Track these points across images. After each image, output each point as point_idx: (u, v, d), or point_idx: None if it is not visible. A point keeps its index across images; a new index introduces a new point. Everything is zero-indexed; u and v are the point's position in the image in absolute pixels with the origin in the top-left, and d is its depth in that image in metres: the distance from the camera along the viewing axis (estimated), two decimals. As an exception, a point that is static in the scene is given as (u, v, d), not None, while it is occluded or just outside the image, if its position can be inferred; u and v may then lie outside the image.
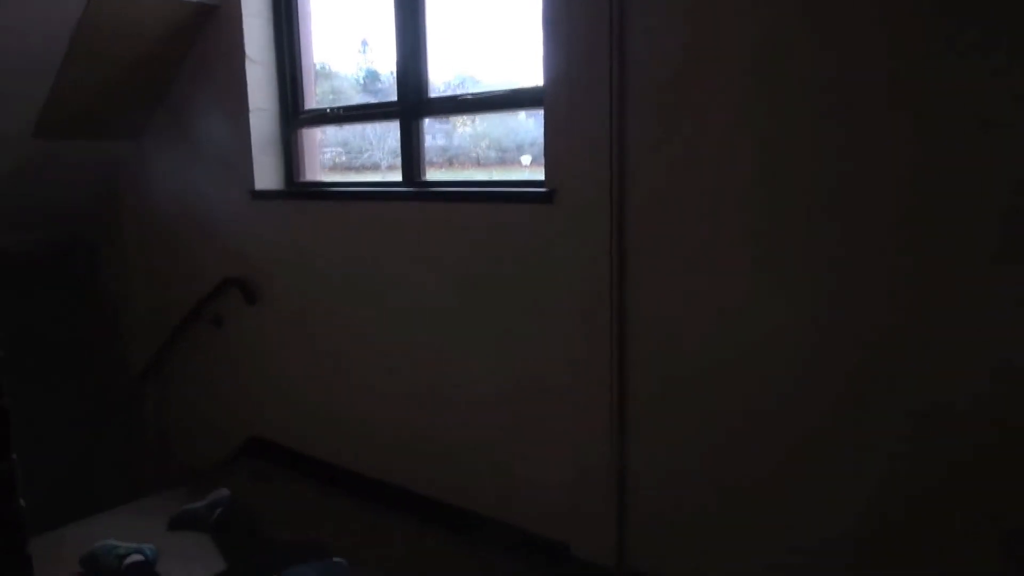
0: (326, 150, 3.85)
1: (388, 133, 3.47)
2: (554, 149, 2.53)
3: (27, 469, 0.81)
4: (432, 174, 3.20)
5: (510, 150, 3.13)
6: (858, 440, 2.03)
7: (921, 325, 1.91)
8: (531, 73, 2.71)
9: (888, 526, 2.02)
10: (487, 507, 2.95)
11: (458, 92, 3.06)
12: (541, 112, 2.58)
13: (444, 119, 3.24)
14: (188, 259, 4.11)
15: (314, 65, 3.67)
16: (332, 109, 3.51)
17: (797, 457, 2.15)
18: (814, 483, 2.13)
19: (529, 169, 2.96)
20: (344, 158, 3.83)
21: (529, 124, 3.02)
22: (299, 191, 3.64)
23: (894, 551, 2.01)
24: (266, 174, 3.64)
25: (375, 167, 3.61)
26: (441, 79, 3.14)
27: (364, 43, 3.65)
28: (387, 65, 3.38)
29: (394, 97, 3.16)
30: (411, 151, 3.14)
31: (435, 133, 3.31)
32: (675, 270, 2.30)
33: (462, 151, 3.32)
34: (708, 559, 2.36)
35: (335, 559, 2.53)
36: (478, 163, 3.23)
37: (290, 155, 3.69)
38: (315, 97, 3.68)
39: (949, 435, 1.90)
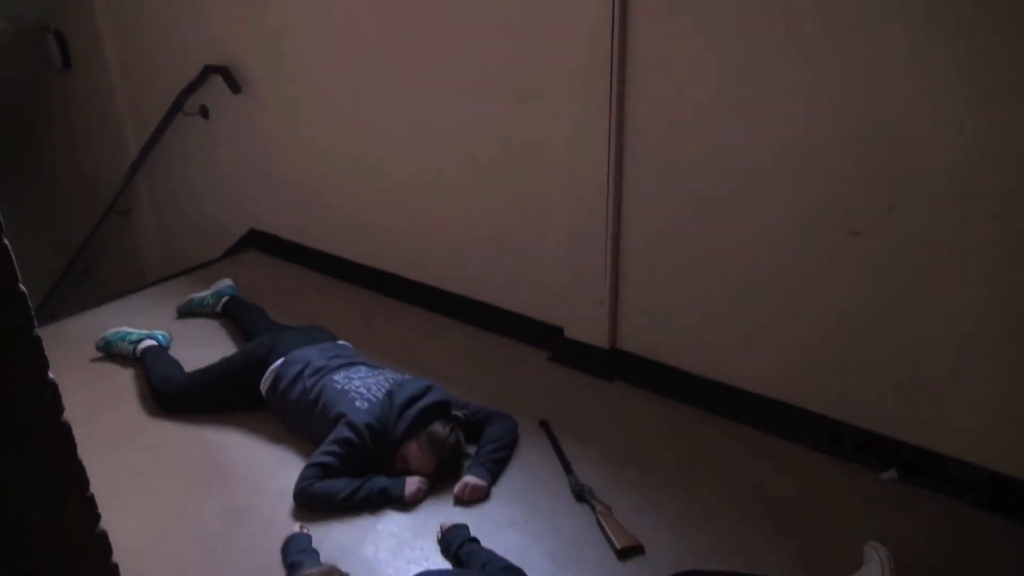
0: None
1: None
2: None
3: (22, 257, 0.80)
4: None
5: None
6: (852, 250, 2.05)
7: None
8: None
9: (861, 337, 2.09)
10: (485, 294, 3.04)
11: None
12: None
13: None
14: (167, 47, 3.90)
15: None
16: None
17: (783, 268, 2.18)
18: (798, 298, 2.17)
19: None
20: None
21: None
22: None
23: (858, 360, 2.11)
24: (240, -53, 3.36)
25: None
26: None
27: None
28: None
29: None
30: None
31: None
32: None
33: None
34: (694, 344, 2.47)
35: (339, 341, 2.64)
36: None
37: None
38: None
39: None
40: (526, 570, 1.77)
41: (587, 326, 2.69)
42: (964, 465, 2.03)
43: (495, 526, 2.00)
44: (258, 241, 3.97)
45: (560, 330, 2.79)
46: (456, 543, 1.88)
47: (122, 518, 1.99)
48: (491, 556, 1.81)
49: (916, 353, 2.04)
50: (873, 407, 2.15)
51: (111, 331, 2.93)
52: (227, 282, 3.34)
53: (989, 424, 1.98)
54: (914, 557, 1.80)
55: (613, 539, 1.92)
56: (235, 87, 3.57)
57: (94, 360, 2.92)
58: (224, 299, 3.22)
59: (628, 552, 1.89)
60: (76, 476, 0.94)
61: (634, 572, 1.83)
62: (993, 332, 1.91)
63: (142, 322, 3.04)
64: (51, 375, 0.84)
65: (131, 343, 2.86)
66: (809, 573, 1.73)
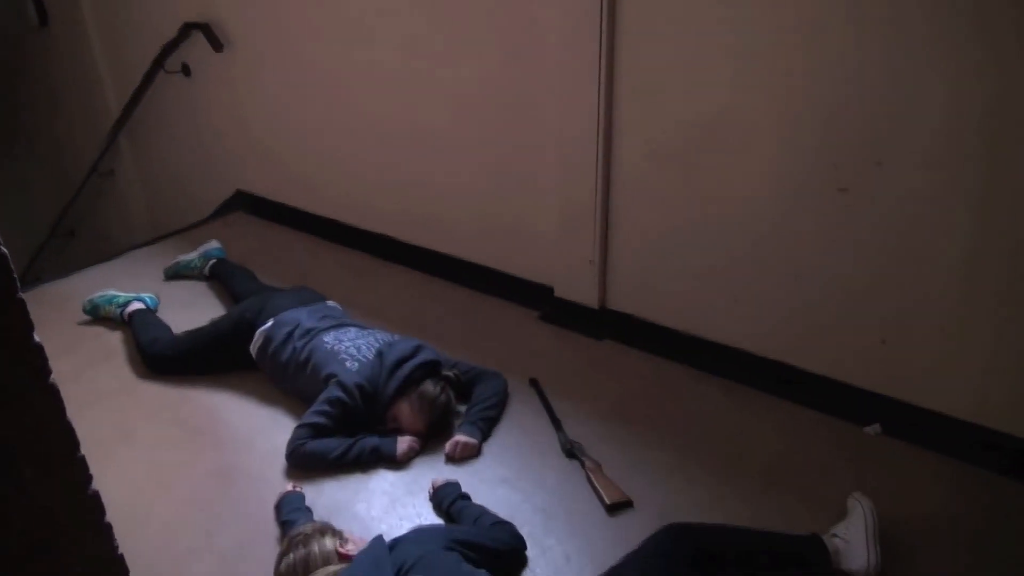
0: None
1: None
2: None
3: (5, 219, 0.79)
4: None
5: None
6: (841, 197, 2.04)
7: (922, 64, 1.84)
8: None
9: (849, 294, 2.10)
10: (474, 254, 3.04)
11: None
12: None
13: None
14: (146, 2, 3.80)
15: None
16: None
17: (772, 226, 2.18)
18: (787, 255, 2.17)
19: None
20: None
21: None
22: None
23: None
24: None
25: None
26: None
27: None
28: None
29: None
30: None
31: None
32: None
33: None
34: (683, 302, 2.48)
35: (328, 302, 2.64)
36: None
37: None
38: None
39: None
40: (517, 525, 1.80)
41: (577, 285, 2.69)
42: (947, 419, 2.06)
43: (486, 483, 2.03)
44: (245, 202, 3.93)
45: (550, 289, 2.79)
46: (448, 500, 1.90)
47: (115, 479, 2.01)
48: (482, 512, 1.84)
49: (903, 309, 2.05)
50: (859, 363, 2.18)
51: (98, 294, 2.91)
52: (214, 244, 3.32)
53: (973, 379, 2.01)
54: (897, 508, 1.84)
55: (603, 494, 1.94)
56: (216, 44, 3.50)
57: (81, 323, 2.90)
58: (212, 261, 3.20)
59: (617, 507, 1.92)
60: (66, 437, 0.94)
61: (623, 526, 1.87)
62: (979, 288, 1.92)
63: (129, 285, 3.01)
64: (37, 338, 0.83)
65: (118, 306, 2.85)
66: (794, 525, 1.76)
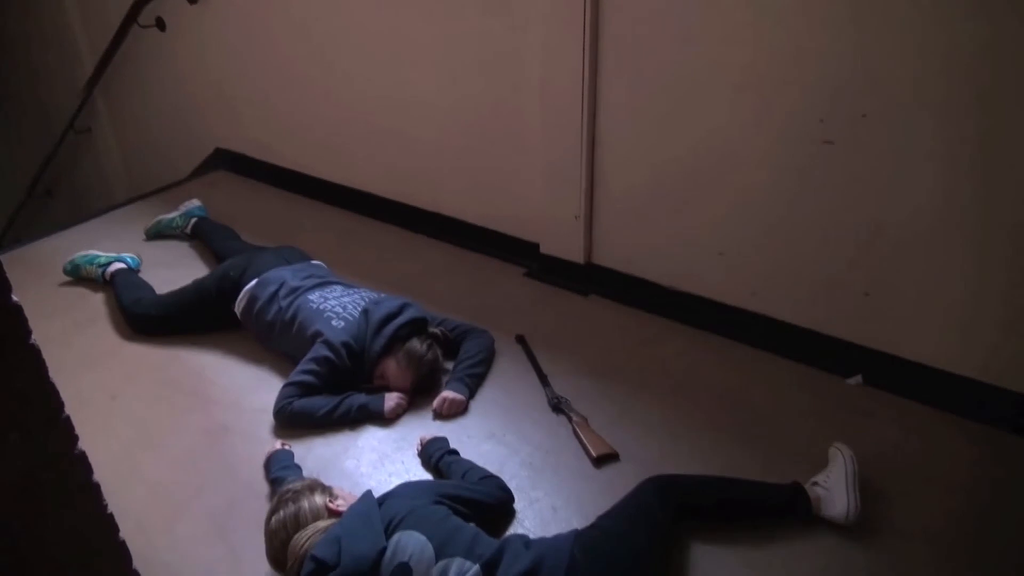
0: None
1: None
2: None
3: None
4: None
5: None
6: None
7: None
8: None
9: (833, 246, 2.10)
10: (460, 211, 3.02)
11: None
12: None
13: None
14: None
15: None
16: None
17: (757, 179, 2.17)
18: (772, 208, 2.17)
19: None
20: None
21: None
22: None
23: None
24: None
25: None
26: None
27: None
28: None
29: None
30: None
31: None
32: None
33: None
34: (669, 257, 2.49)
35: (313, 261, 2.62)
36: None
37: None
38: None
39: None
40: (504, 479, 1.82)
41: (563, 241, 2.68)
42: (928, 370, 2.10)
43: (474, 438, 2.05)
44: (226, 160, 3.88)
45: (536, 246, 2.79)
46: (436, 455, 1.92)
47: (102, 439, 2.01)
48: (470, 467, 1.86)
49: (886, 262, 2.06)
50: (842, 315, 2.20)
51: (79, 254, 2.88)
52: (195, 203, 3.28)
53: (954, 330, 2.03)
54: (878, 457, 1.88)
55: (589, 448, 1.97)
56: (192, -3, 3.41)
57: (63, 284, 2.87)
58: (193, 220, 3.17)
59: (604, 459, 1.95)
60: (49, 398, 0.94)
61: (609, 478, 1.89)
62: (961, 241, 1.94)
63: (110, 245, 2.98)
64: (15, 298, 0.82)
65: (100, 266, 2.82)
66: (777, 475, 1.79)
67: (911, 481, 1.85)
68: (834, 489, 1.72)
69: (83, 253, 2.88)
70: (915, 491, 1.82)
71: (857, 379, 2.19)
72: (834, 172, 2.05)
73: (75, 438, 1.04)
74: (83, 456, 1.08)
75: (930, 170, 1.91)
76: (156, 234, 3.20)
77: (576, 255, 2.67)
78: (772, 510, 1.75)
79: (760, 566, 1.65)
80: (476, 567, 1.41)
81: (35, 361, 0.88)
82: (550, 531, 1.63)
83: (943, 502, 1.79)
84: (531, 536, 1.58)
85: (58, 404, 0.98)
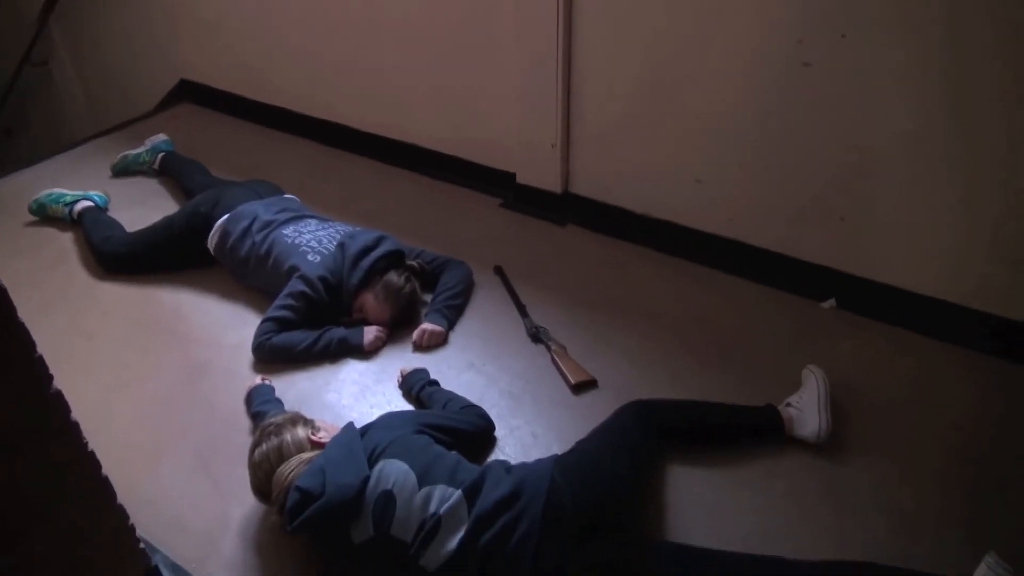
0: None
1: None
2: None
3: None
4: None
5: None
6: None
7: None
8: None
9: (810, 171, 2.10)
10: (435, 142, 2.96)
11: None
12: None
13: None
14: None
15: None
16: None
17: (735, 103, 2.14)
18: (749, 133, 2.15)
19: None
20: None
21: None
22: None
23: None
24: None
25: None
26: None
27: None
28: None
29: None
30: None
31: None
32: None
33: None
34: (646, 185, 2.47)
35: (285, 195, 2.58)
36: None
37: None
38: None
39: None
40: (485, 408, 1.85)
41: (539, 170, 2.65)
42: (901, 292, 2.13)
43: (454, 369, 2.06)
44: (191, 93, 3.76)
45: (512, 176, 2.76)
46: (417, 386, 1.94)
47: (79, 380, 2.00)
48: (451, 396, 1.88)
49: (862, 185, 2.07)
50: (818, 240, 2.21)
51: (44, 193, 2.81)
52: (162, 137, 3.19)
53: (928, 254, 2.06)
54: (850, 379, 1.93)
55: (568, 375, 2.00)
56: (145, -82, 3.23)
57: (29, 224, 2.81)
58: (161, 155, 3.09)
59: (582, 387, 1.98)
60: (19, 338, 0.92)
61: (588, 405, 1.93)
62: (938, 163, 1.94)
63: (75, 183, 2.90)
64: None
65: (66, 205, 2.75)
66: (752, 398, 1.83)
67: (882, 402, 1.90)
68: (806, 409, 1.77)
69: (48, 192, 2.81)
70: (886, 411, 1.87)
71: (831, 303, 2.23)
72: (812, 95, 2.03)
73: (49, 377, 1.04)
74: (59, 395, 1.08)
75: (909, 93, 1.90)
76: (123, 170, 3.12)
77: (553, 184, 2.64)
78: (747, 431, 1.79)
79: (734, 485, 1.70)
80: (458, 492, 1.44)
81: (2, 300, 0.87)
82: (531, 457, 1.67)
83: (913, 421, 1.85)
84: (512, 462, 1.61)
85: (29, 344, 0.97)
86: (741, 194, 2.29)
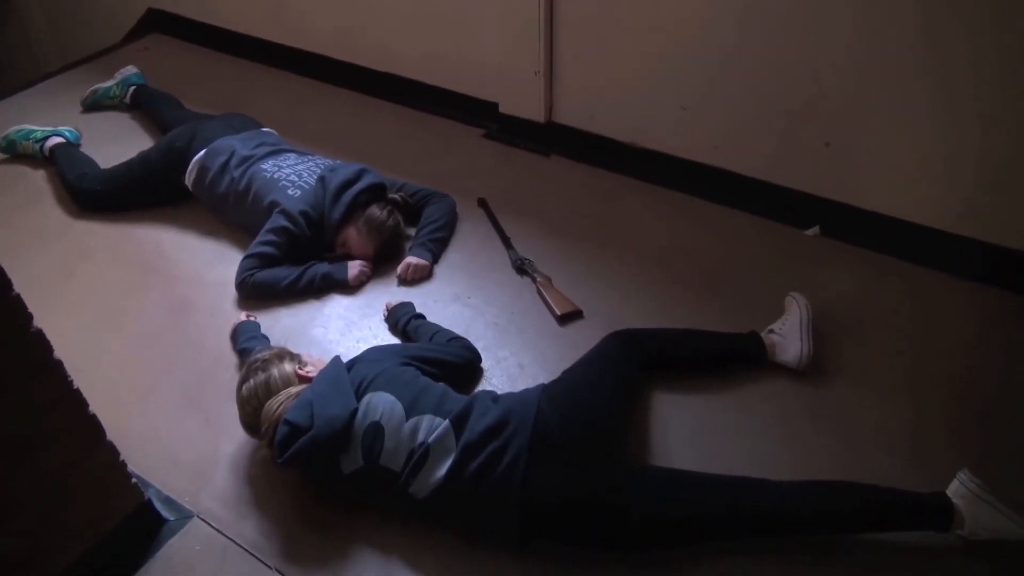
0: None
1: None
2: None
3: None
4: None
5: None
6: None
7: None
8: None
9: (795, 97, 2.06)
10: (416, 72, 2.89)
11: None
12: None
13: None
14: None
15: None
16: None
17: (718, 29, 2.08)
18: (732, 59, 2.10)
19: None
20: None
21: None
22: None
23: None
24: None
25: None
26: None
27: None
28: None
29: None
30: None
31: None
32: None
33: None
34: (630, 113, 2.43)
35: (263, 128, 2.52)
36: None
37: None
38: None
39: None
40: (471, 340, 1.85)
41: (522, 100, 2.60)
42: (885, 219, 2.13)
43: (439, 302, 2.06)
44: (160, 22, 3.62)
45: (495, 106, 2.70)
46: (403, 320, 1.94)
47: (61, 319, 1.98)
48: (437, 329, 1.88)
49: (848, 111, 2.05)
50: (802, 167, 2.20)
51: (12, 129, 2.73)
52: (132, 69, 3.09)
53: (913, 180, 2.05)
54: (833, 305, 1.95)
55: (553, 306, 2.00)
56: None
57: None
58: (131, 88, 2.99)
59: (568, 317, 1.99)
60: (-8, 276, 0.91)
61: (573, 334, 1.94)
62: (922, 90, 1.91)
63: (45, 119, 2.82)
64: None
65: (37, 141, 2.67)
66: (735, 326, 1.85)
67: (866, 328, 1.92)
68: (789, 336, 1.79)
69: (17, 128, 2.72)
70: (869, 337, 1.90)
71: (815, 230, 2.23)
72: (797, 20, 1.99)
73: (29, 316, 1.02)
74: (40, 334, 1.07)
75: (896, 18, 1.86)
76: (93, 105, 3.03)
77: (536, 114, 2.60)
78: (730, 358, 1.82)
79: (717, 410, 1.73)
80: (446, 422, 1.46)
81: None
82: (517, 387, 1.68)
83: (899, 348, 1.87)
84: (499, 392, 1.63)
85: (5, 282, 0.95)
86: (725, 121, 2.26)
